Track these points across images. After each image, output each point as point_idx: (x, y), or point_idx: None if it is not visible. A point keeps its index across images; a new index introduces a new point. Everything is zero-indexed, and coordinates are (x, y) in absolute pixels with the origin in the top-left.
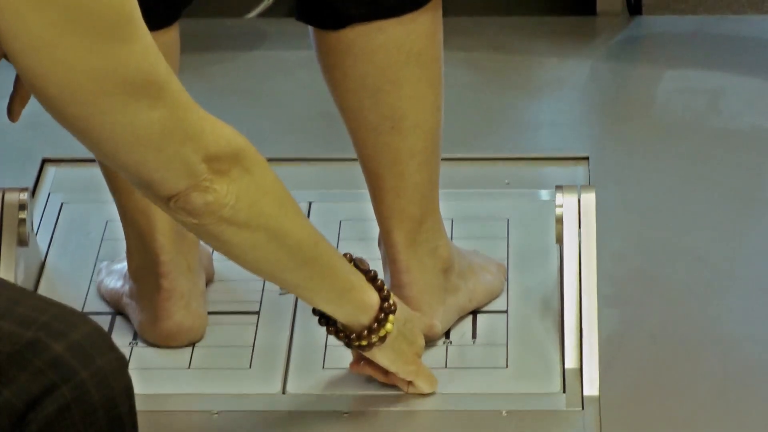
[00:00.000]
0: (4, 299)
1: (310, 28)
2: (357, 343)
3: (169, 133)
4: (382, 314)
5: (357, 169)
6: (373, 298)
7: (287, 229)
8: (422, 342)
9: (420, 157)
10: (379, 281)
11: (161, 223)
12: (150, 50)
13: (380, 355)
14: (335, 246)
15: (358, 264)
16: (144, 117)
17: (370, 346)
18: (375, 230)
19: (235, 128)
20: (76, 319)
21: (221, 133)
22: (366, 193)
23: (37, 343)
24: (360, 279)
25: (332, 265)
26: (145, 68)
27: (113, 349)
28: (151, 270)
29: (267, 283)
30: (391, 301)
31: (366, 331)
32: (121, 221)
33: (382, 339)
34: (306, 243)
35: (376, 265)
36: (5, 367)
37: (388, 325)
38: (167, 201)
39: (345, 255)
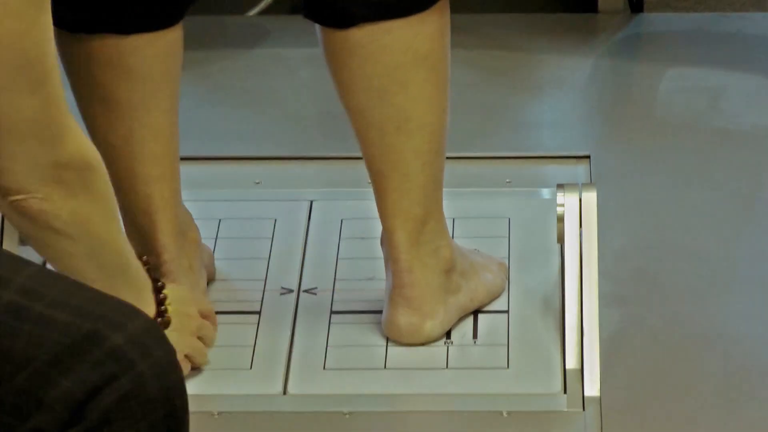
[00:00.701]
0: (59, 291)
1: (316, 26)
2: None
3: (36, 126)
4: None
5: (358, 167)
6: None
7: (107, 244)
8: (202, 353)
9: (425, 157)
10: (162, 295)
11: (164, 223)
12: (47, 34)
13: None
14: (337, 245)
15: (150, 272)
16: (20, 101)
17: None
18: (376, 229)
19: (237, 126)
20: (131, 312)
21: (79, 144)
22: (367, 191)
23: (96, 334)
24: (146, 292)
25: (133, 277)
26: (38, 49)
27: (167, 341)
28: (153, 269)
29: (268, 282)
30: (165, 318)
31: None
32: (123, 221)
33: None
34: (118, 259)
35: (378, 264)
36: (64, 358)
37: None
38: (4, 195)
39: (141, 259)
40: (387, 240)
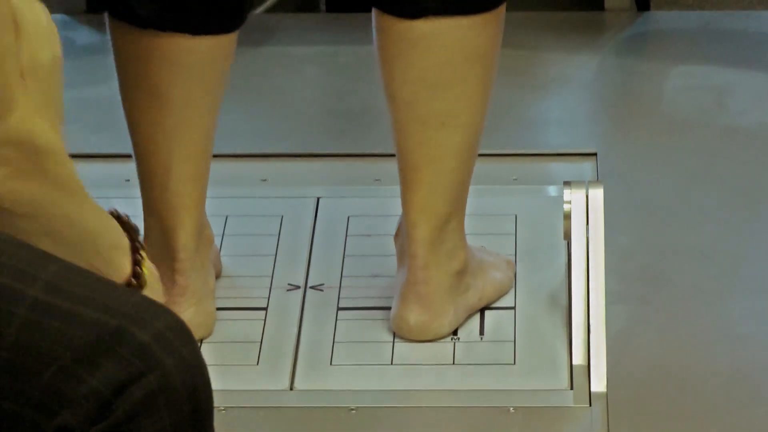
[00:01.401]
0: (85, 288)
1: (375, 14)
2: None
3: None
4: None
5: (365, 165)
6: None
7: (68, 223)
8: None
9: (461, 156)
10: (139, 256)
11: (189, 222)
12: None
13: None
14: (343, 242)
15: (128, 231)
16: None
17: None
18: (383, 226)
19: (244, 124)
20: (157, 309)
21: (26, 121)
22: (374, 189)
23: (122, 332)
24: (119, 257)
25: (104, 246)
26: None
27: (193, 340)
28: (168, 265)
29: (275, 279)
30: (141, 279)
31: None
32: (144, 213)
33: None
34: (83, 234)
35: (384, 261)
36: (91, 355)
37: None
38: None
39: (112, 212)
40: (407, 234)
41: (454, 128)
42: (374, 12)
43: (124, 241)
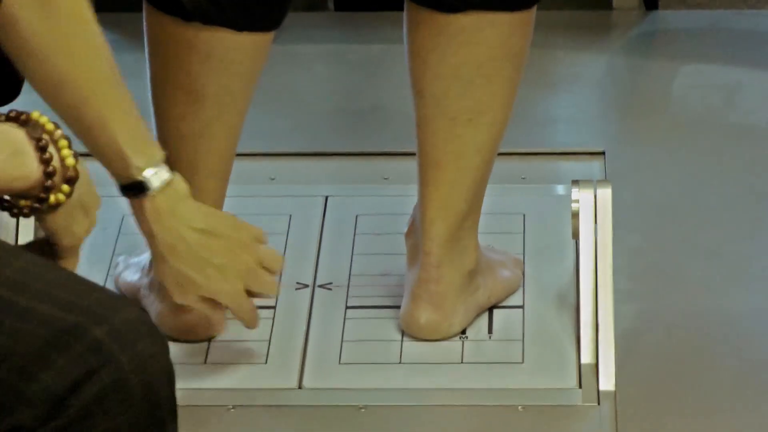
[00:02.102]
0: (46, 282)
1: (409, 8)
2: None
3: None
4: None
5: (374, 163)
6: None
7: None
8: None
9: (485, 154)
10: (51, 150)
11: None
12: None
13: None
14: (352, 241)
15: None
16: None
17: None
18: (391, 225)
19: (252, 123)
20: (118, 304)
21: None
22: (382, 187)
23: (77, 328)
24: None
25: None
26: None
27: (154, 334)
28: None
29: (283, 278)
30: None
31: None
32: None
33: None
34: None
35: (393, 260)
36: (45, 352)
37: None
38: None
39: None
40: (423, 231)
41: (481, 126)
42: (408, 6)
43: (22, 147)
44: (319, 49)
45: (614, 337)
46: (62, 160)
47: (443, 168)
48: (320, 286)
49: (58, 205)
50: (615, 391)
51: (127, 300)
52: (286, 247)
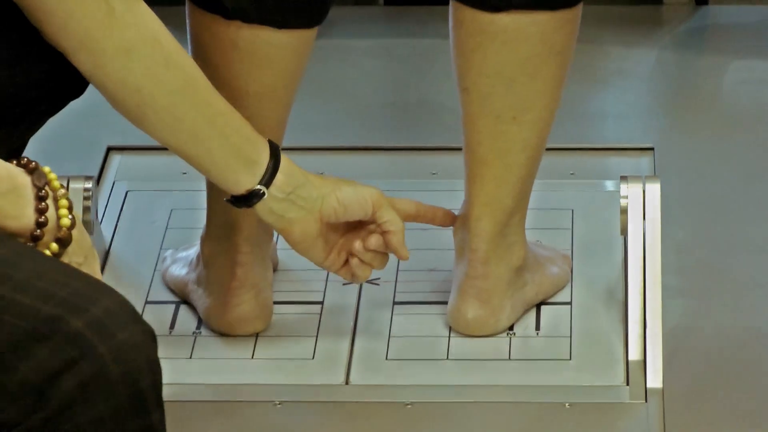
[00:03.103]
0: (27, 272)
1: (453, 6)
2: None
3: None
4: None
5: (423, 158)
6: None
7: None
8: None
9: (531, 151)
10: (44, 205)
11: (248, 214)
12: None
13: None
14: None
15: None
16: None
17: None
18: None
19: (301, 117)
20: (98, 293)
21: None
22: (431, 182)
23: (56, 319)
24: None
25: None
26: None
27: (138, 321)
28: (228, 257)
29: (331, 274)
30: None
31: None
32: (207, 206)
33: None
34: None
35: (440, 255)
36: (24, 343)
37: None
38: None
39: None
40: (470, 228)
41: (526, 123)
42: (452, 5)
43: (21, 190)
44: (368, 44)
45: (662, 334)
46: (58, 218)
47: (489, 165)
48: (368, 282)
49: None
50: (662, 389)
51: (108, 288)
52: None
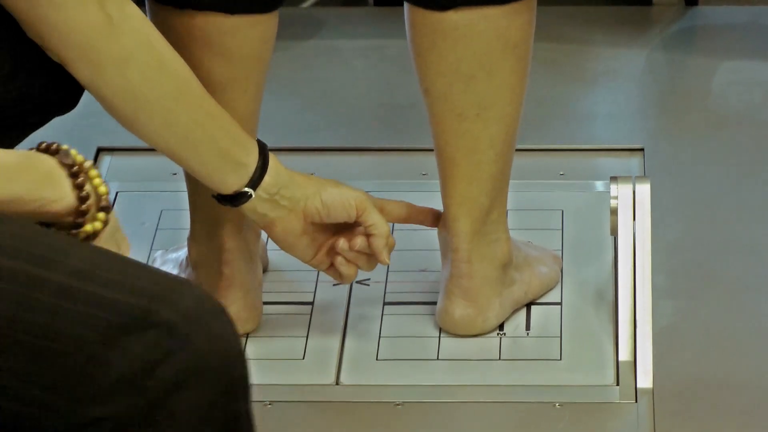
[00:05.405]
0: (110, 271)
1: (407, 7)
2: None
3: None
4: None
5: (412, 159)
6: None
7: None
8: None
9: (499, 147)
10: (80, 179)
11: (232, 211)
12: None
13: None
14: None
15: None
16: None
17: None
18: None
19: (291, 118)
20: (183, 286)
21: None
22: (421, 183)
23: (150, 312)
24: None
25: None
26: None
27: (224, 313)
28: (215, 257)
29: (321, 273)
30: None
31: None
32: (190, 206)
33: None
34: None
35: (430, 256)
36: (119, 338)
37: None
38: None
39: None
40: (449, 228)
41: (489, 120)
42: (406, 6)
43: (54, 173)
44: (358, 45)
45: (652, 334)
46: (95, 188)
47: (458, 164)
48: (358, 282)
49: (95, 234)
50: (653, 389)
51: (190, 283)
52: None
